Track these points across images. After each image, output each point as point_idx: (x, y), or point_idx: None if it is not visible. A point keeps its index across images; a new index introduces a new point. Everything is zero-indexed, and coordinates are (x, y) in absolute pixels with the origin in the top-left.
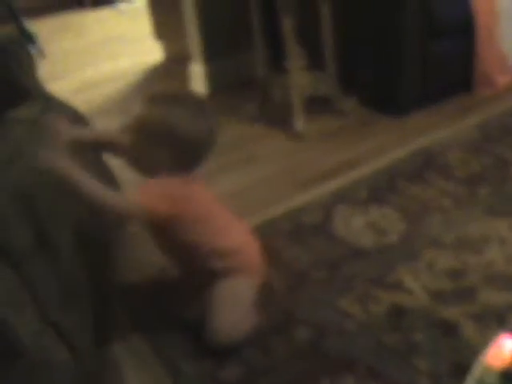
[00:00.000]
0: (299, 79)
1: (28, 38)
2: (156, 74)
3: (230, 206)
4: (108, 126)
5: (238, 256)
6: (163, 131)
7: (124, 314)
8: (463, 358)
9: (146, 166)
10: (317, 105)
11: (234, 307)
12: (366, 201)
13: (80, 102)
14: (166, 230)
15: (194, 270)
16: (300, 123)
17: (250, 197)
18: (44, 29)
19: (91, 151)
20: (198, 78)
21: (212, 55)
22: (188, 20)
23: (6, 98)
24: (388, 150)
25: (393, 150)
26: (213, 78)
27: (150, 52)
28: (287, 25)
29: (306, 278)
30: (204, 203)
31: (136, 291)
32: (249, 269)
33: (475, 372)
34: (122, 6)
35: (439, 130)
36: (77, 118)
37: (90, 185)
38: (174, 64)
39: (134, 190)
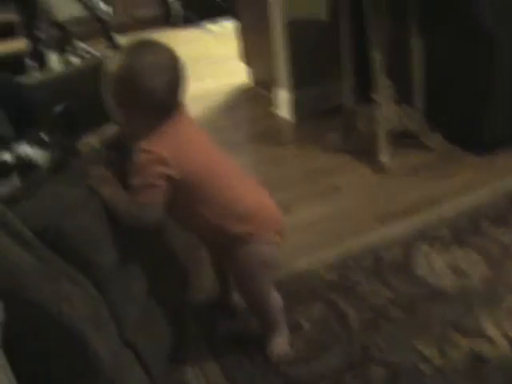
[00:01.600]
0: (386, 112)
1: None
2: (241, 97)
3: (308, 235)
4: None
5: (258, 217)
6: (125, 74)
7: (198, 336)
8: None
9: (132, 130)
10: (402, 138)
11: (263, 275)
12: (447, 241)
13: None
14: (182, 206)
15: (216, 241)
16: (384, 156)
17: (329, 228)
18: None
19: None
20: (283, 104)
21: (299, 82)
22: (276, 45)
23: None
24: (472, 189)
25: (477, 190)
26: (299, 105)
27: (237, 74)
28: (377, 58)
29: (383, 316)
30: (201, 149)
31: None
32: (270, 228)
33: None
34: (212, 27)
35: None
36: None
37: (123, 205)
38: (260, 88)
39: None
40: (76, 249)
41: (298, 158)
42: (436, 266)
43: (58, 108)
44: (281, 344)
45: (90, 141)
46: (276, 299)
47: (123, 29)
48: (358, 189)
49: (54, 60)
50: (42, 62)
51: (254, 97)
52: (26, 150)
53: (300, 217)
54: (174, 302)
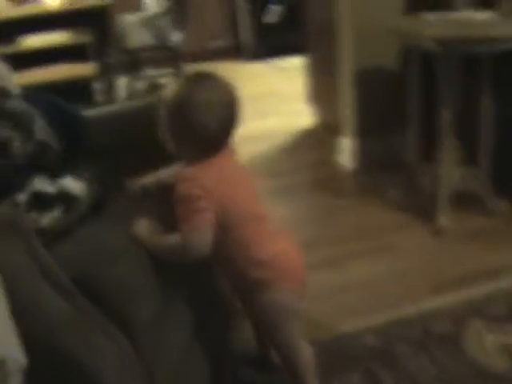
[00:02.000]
0: (449, 172)
1: None
2: (303, 140)
3: (356, 295)
4: None
5: (275, 265)
6: (178, 107)
7: None
8: None
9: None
10: (464, 200)
11: (289, 320)
12: (503, 318)
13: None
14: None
15: (240, 287)
16: (443, 218)
17: (378, 290)
18: None
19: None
20: (345, 152)
21: (363, 131)
22: (343, 91)
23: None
24: None
25: None
26: (361, 155)
27: (301, 115)
28: (445, 117)
29: None
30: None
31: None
32: (288, 277)
33: None
34: (282, 63)
35: None
36: None
37: (168, 243)
38: (323, 132)
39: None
40: (111, 300)
41: (354, 210)
42: (488, 345)
43: (112, 149)
44: None
45: (144, 181)
46: (306, 355)
47: (193, 58)
48: (412, 251)
49: (122, 85)
50: (109, 86)
51: (317, 140)
52: (69, 182)
53: (349, 275)
54: (214, 354)
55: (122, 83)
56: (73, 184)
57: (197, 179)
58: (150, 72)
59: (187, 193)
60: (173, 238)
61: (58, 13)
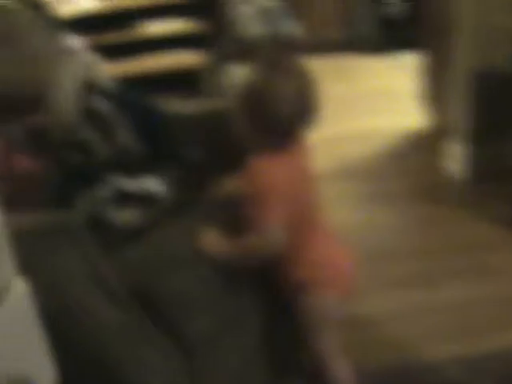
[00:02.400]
0: None
1: None
2: (412, 142)
3: (447, 318)
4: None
5: (321, 269)
6: (245, 94)
7: None
8: None
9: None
10: None
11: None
12: None
13: (327, 155)
14: None
15: (286, 280)
16: None
17: (472, 315)
18: (317, 68)
19: None
20: (455, 158)
21: (477, 137)
22: (457, 94)
23: None
24: None
25: None
26: (472, 162)
27: (414, 115)
28: None
29: None
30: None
31: None
32: (333, 283)
33: None
34: (400, 59)
35: None
36: None
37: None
38: (434, 134)
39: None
40: (166, 313)
41: (455, 222)
42: None
43: (194, 152)
44: None
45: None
46: (339, 372)
47: (306, 49)
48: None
49: (234, 75)
50: (220, 76)
51: (426, 144)
52: (151, 183)
53: (441, 294)
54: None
55: (234, 73)
56: (154, 186)
57: (270, 173)
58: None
59: (261, 187)
60: (246, 238)
61: (175, 1)
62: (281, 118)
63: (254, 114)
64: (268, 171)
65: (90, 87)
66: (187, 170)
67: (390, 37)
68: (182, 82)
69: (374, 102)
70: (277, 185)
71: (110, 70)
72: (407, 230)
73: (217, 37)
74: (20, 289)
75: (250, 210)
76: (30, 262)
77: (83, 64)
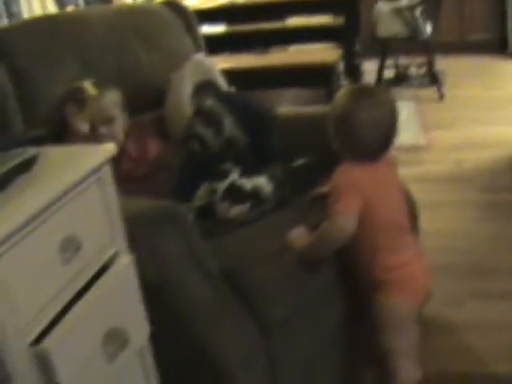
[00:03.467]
0: None
1: (433, 77)
2: None
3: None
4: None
5: (398, 274)
6: (343, 120)
7: None
8: None
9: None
10: None
11: (396, 330)
12: None
13: (451, 161)
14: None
15: (361, 278)
16: None
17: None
18: (457, 69)
19: None
20: None
21: None
22: None
23: None
24: None
25: None
26: None
27: None
28: None
29: None
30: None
31: None
32: (411, 287)
33: None
34: None
35: None
36: None
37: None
38: None
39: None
40: (250, 297)
41: None
42: None
43: (300, 161)
44: None
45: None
46: (405, 376)
47: (450, 50)
48: None
49: (371, 72)
50: (355, 75)
51: None
52: (263, 183)
53: (473, 315)
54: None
55: (370, 69)
56: (266, 185)
57: (351, 173)
58: (401, 61)
59: (339, 182)
60: (321, 227)
61: None
62: (365, 143)
63: (342, 136)
64: (348, 172)
65: (205, 88)
66: (291, 172)
67: None
68: (317, 76)
69: None
70: (353, 183)
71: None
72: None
73: (355, 34)
74: (126, 260)
75: (328, 204)
76: (137, 240)
77: (202, 67)
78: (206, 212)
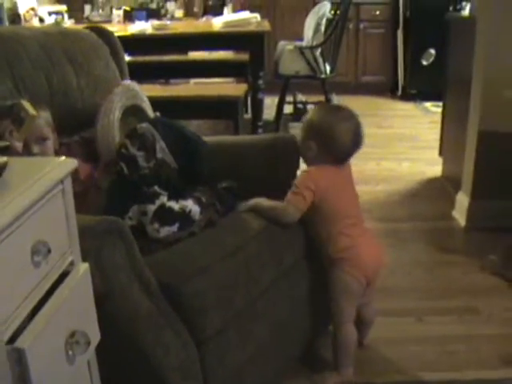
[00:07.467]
0: None
1: None
2: (428, 189)
3: (428, 350)
4: None
5: (349, 251)
6: (326, 130)
7: None
8: None
9: (305, 156)
10: None
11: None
12: None
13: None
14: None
15: (321, 251)
16: None
17: (452, 350)
18: (352, 108)
19: None
20: (460, 208)
21: (480, 191)
22: (469, 149)
23: None
24: None
25: None
26: (474, 213)
27: (434, 163)
28: None
29: None
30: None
31: None
32: (358, 266)
33: None
34: (432, 108)
35: None
36: None
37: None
38: (449, 185)
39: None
40: (187, 309)
41: (453, 267)
42: None
43: (222, 185)
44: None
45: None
46: (349, 336)
47: (346, 90)
48: (494, 319)
49: (269, 107)
50: (258, 109)
51: (441, 192)
52: (191, 205)
53: (430, 328)
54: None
55: (270, 104)
56: (193, 207)
57: (313, 175)
58: (299, 98)
59: (301, 181)
60: (280, 203)
61: (221, 34)
62: (342, 148)
63: (321, 143)
64: (313, 172)
65: (134, 112)
66: (217, 195)
67: (422, 85)
68: (224, 108)
69: (401, 147)
70: (313, 181)
71: (157, 92)
72: (408, 269)
73: (258, 70)
74: (83, 267)
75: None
76: (84, 252)
77: (131, 92)
78: (138, 232)
